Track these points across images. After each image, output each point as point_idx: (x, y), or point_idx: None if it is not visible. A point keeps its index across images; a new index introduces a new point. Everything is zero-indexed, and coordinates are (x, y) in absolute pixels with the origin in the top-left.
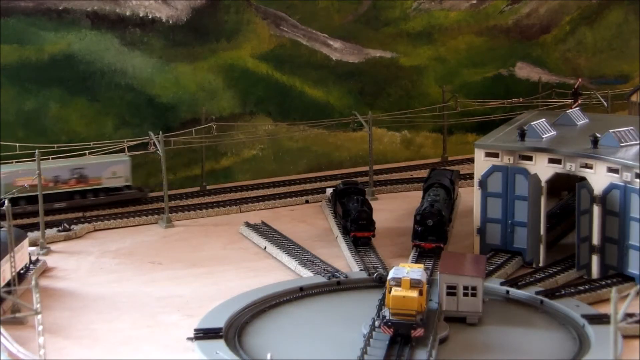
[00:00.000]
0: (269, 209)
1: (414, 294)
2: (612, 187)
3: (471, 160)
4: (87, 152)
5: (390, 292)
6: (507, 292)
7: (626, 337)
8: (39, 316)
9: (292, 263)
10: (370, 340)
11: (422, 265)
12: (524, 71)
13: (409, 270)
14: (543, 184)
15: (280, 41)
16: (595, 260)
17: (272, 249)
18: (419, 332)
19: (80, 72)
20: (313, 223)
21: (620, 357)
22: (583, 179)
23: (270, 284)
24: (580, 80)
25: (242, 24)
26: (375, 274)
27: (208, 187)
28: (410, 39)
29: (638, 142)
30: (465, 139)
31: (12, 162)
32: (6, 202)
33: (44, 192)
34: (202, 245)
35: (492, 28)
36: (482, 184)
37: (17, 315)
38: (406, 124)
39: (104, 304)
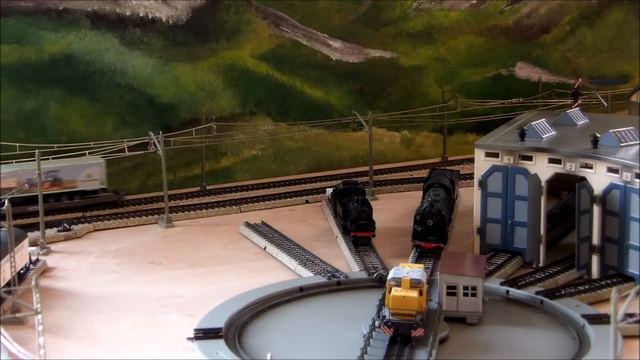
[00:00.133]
0: (269, 209)
1: (414, 294)
2: (612, 187)
3: (471, 160)
4: (87, 152)
5: (390, 292)
6: (507, 292)
7: (626, 337)
8: (39, 316)
9: (292, 263)
10: (370, 340)
11: (422, 265)
12: (524, 71)
13: (409, 270)
14: (543, 184)
15: (280, 41)
16: (595, 260)
17: (272, 249)
18: (419, 332)
19: (80, 72)
20: (313, 223)
21: (620, 357)
22: (583, 179)
23: (270, 284)
24: (580, 80)
25: (242, 24)
26: (375, 274)
27: (208, 187)
28: (410, 39)
29: (638, 142)
30: (465, 139)
31: (12, 162)
32: (6, 202)
33: (17, 196)
34: (202, 245)
35: (492, 28)
36: (482, 184)
37: (17, 315)
38: (406, 124)
39: (104, 304)
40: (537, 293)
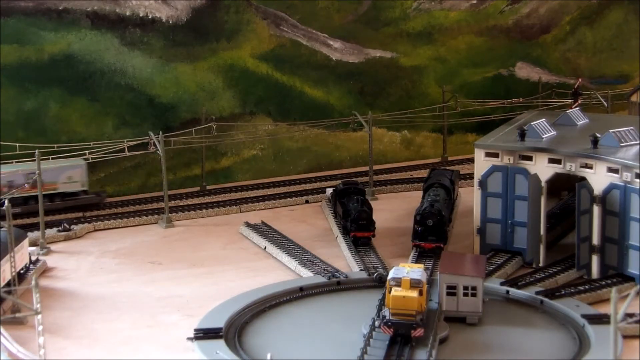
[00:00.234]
0: (269, 209)
1: (414, 294)
2: (612, 187)
3: (471, 160)
4: (87, 152)
5: (390, 292)
6: (507, 292)
7: (626, 337)
8: (39, 316)
9: (292, 263)
10: (370, 340)
11: (422, 265)
12: (524, 71)
13: (409, 270)
14: (543, 184)
15: (280, 41)
16: (595, 260)
17: (272, 249)
18: (419, 332)
19: (80, 72)
20: (313, 223)
21: (620, 357)
22: (583, 179)
23: (270, 284)
24: (580, 80)
25: (242, 24)
26: (375, 274)
27: (208, 187)
28: (410, 39)
29: (638, 142)
30: (465, 139)
31: (12, 162)
32: (6, 202)
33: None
34: (202, 245)
35: (492, 28)
36: (482, 184)
37: (17, 315)
38: (406, 124)
39: (104, 304)
40: (537, 293)
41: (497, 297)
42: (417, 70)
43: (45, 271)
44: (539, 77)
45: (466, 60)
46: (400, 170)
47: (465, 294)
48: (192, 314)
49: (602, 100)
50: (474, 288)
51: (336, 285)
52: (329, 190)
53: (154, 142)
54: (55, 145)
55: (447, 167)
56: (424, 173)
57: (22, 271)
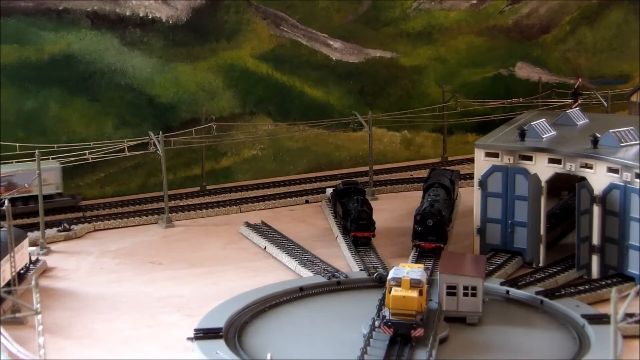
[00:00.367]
0: (269, 209)
1: (414, 294)
2: (612, 187)
3: (471, 160)
4: (87, 152)
5: (390, 292)
6: (507, 292)
7: (626, 337)
8: (39, 316)
9: (292, 263)
10: (370, 340)
11: (422, 265)
12: (524, 71)
13: (409, 270)
14: (543, 184)
15: (280, 41)
16: (595, 260)
17: (272, 249)
18: (419, 332)
19: (80, 72)
20: (313, 223)
21: (620, 357)
22: (583, 179)
23: (270, 284)
24: (580, 80)
25: (242, 24)
26: (375, 274)
27: (208, 187)
28: (410, 39)
29: (638, 142)
30: (465, 139)
31: (12, 162)
32: (6, 202)
33: None
34: (202, 245)
35: (492, 28)
36: (482, 184)
37: (17, 315)
38: (406, 124)
39: (104, 304)
40: (537, 293)
41: (497, 297)
42: (417, 70)
43: (45, 271)
44: (539, 77)
45: (466, 60)
46: (400, 170)
47: (465, 294)
48: (192, 314)
49: (602, 100)
50: (474, 288)
51: (336, 285)
52: (329, 190)
53: (154, 142)
54: (55, 145)
55: (447, 167)
56: (424, 173)
57: (22, 271)
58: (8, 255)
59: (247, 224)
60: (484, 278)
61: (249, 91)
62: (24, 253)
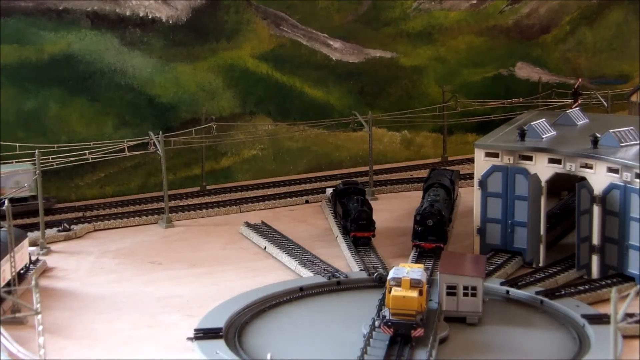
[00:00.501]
0: (269, 209)
1: (414, 294)
2: (612, 187)
3: (471, 160)
4: (87, 152)
5: (390, 292)
6: (507, 292)
7: (626, 337)
8: (39, 316)
9: (292, 263)
10: (370, 340)
11: (422, 265)
12: (524, 71)
13: (409, 270)
14: (543, 184)
15: (280, 41)
16: (595, 260)
17: (272, 249)
18: (419, 332)
19: (80, 72)
20: (313, 223)
21: (620, 357)
22: (583, 179)
23: (270, 284)
24: (580, 80)
25: (242, 24)
26: (375, 274)
27: (208, 187)
28: (410, 39)
29: (638, 142)
30: (465, 139)
31: (12, 162)
32: (6, 202)
33: None
34: (202, 245)
35: (492, 28)
36: (482, 184)
37: (17, 315)
38: (406, 124)
39: (104, 304)
40: (537, 293)
41: (497, 297)
42: (417, 70)
43: (45, 271)
44: (539, 77)
45: (466, 60)
46: (400, 170)
47: (465, 294)
48: (192, 314)
49: (602, 100)
50: (474, 288)
51: (336, 285)
52: (329, 190)
53: (154, 142)
54: (55, 145)
55: (447, 167)
56: (424, 173)
57: (22, 271)
58: (8, 255)
59: (247, 224)
60: (484, 278)
61: (249, 91)
62: (24, 253)
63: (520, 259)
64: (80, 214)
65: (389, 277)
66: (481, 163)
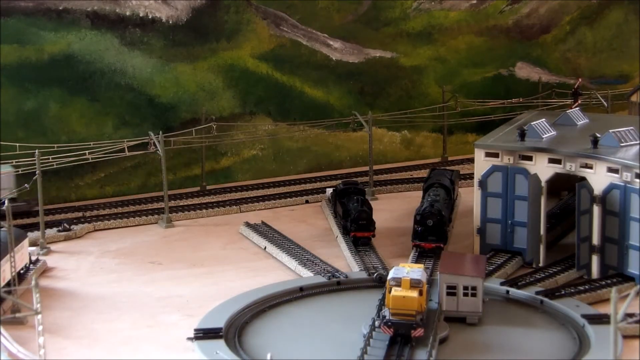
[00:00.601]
0: (269, 209)
1: (414, 294)
2: (612, 187)
3: (471, 160)
4: (87, 152)
5: (390, 292)
6: (507, 292)
7: (626, 337)
8: (39, 316)
9: (292, 263)
10: (370, 340)
11: (422, 265)
12: (524, 71)
13: (409, 270)
14: (543, 184)
15: (280, 41)
16: (595, 260)
17: (272, 249)
18: (419, 332)
19: (80, 72)
20: (313, 223)
21: (620, 357)
22: (583, 179)
23: (270, 284)
24: (580, 80)
25: (242, 24)
26: (375, 274)
27: (208, 187)
28: (410, 39)
29: (638, 142)
30: (465, 139)
31: (12, 162)
32: (6, 202)
33: None
34: (202, 245)
35: (492, 28)
36: (482, 184)
37: (17, 315)
38: (406, 124)
39: (104, 304)
40: (537, 293)
41: (497, 297)
42: (417, 70)
43: (45, 271)
44: (539, 77)
45: (466, 60)
46: (400, 170)
47: (465, 294)
48: (192, 314)
49: (602, 100)
50: (474, 288)
51: (336, 285)
52: (329, 190)
53: (154, 142)
54: (55, 145)
55: (447, 167)
56: (424, 173)
57: (22, 271)
58: (8, 255)
59: (247, 224)
60: (484, 278)
61: (249, 91)
62: (24, 253)
63: (520, 259)
64: (80, 214)
65: (389, 277)
66: (481, 163)
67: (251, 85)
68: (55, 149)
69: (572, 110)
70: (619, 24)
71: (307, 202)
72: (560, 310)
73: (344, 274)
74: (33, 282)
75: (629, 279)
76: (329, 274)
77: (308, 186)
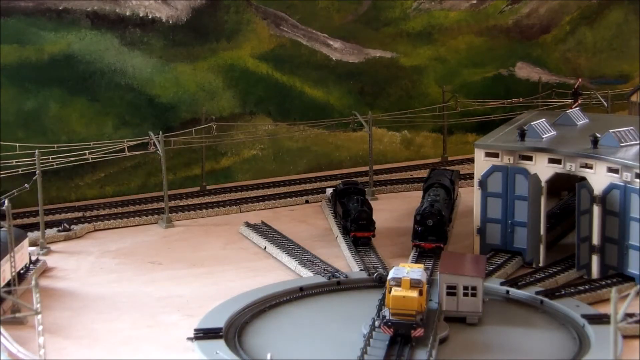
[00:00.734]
0: (269, 209)
1: (414, 294)
2: (612, 187)
3: (471, 160)
4: (87, 152)
5: (390, 292)
6: (507, 292)
7: (626, 337)
8: (39, 316)
9: (292, 263)
10: (370, 340)
11: (422, 265)
12: (524, 71)
13: (409, 270)
14: (543, 184)
15: (280, 41)
16: (595, 260)
17: (272, 249)
18: (419, 332)
19: (80, 72)
20: (313, 223)
21: (620, 357)
22: (583, 179)
23: (270, 284)
24: (580, 80)
25: (242, 24)
26: (375, 274)
27: (208, 187)
28: (410, 39)
29: (638, 142)
30: (465, 139)
31: (12, 162)
32: (6, 202)
33: None
34: (202, 245)
35: (492, 28)
36: (482, 184)
37: (17, 315)
38: (406, 124)
39: (104, 304)
40: (537, 293)
41: (497, 297)
42: (417, 70)
43: (45, 271)
44: (539, 77)
45: (466, 60)
46: (400, 170)
47: (465, 294)
48: (192, 314)
49: (602, 100)
50: (474, 288)
51: (336, 285)
52: (329, 190)
53: (154, 142)
54: (55, 145)
55: (447, 167)
56: (424, 173)
57: (22, 271)
58: (8, 255)
59: (247, 224)
60: (484, 278)
61: (249, 91)
62: (24, 253)
63: (520, 259)
64: (80, 214)
65: (389, 277)
66: (481, 163)
67: (251, 85)
68: (55, 149)
69: (572, 110)
70: (619, 24)
71: (307, 202)
72: (560, 310)
73: (344, 274)
74: (33, 282)
75: (629, 279)
76: (329, 274)
77: (308, 186)
